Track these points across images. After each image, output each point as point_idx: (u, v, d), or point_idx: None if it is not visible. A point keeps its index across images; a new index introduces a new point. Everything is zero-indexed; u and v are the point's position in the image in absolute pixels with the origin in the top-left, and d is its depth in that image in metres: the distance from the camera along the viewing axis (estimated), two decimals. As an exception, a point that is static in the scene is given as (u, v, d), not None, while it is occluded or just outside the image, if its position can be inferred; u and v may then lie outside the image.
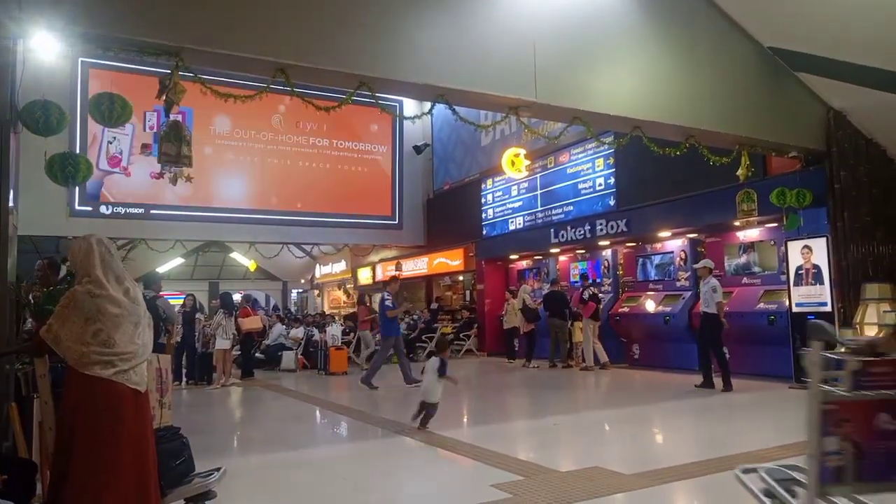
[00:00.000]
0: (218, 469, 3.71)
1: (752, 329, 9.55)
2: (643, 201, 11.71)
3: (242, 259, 24.53)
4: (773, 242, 10.06)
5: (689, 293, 11.00)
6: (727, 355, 8.81)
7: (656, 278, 12.06)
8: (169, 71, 5.28)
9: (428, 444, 5.88)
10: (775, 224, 9.76)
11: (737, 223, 9.90)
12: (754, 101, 8.21)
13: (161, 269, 23.38)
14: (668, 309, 11.29)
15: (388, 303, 10.03)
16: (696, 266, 9.80)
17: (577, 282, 13.77)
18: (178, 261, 23.04)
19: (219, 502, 3.63)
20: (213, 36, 5.21)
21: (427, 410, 6.30)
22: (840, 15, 7.08)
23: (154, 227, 14.73)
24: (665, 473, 4.58)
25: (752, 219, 9.28)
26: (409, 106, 15.69)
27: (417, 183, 18.49)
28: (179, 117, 5.80)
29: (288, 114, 15.69)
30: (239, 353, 12.42)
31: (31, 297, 4.90)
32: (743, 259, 10.68)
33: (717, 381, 8.60)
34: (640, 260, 12.43)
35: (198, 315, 12.34)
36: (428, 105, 7.02)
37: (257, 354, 13.95)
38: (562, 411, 8.04)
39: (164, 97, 5.22)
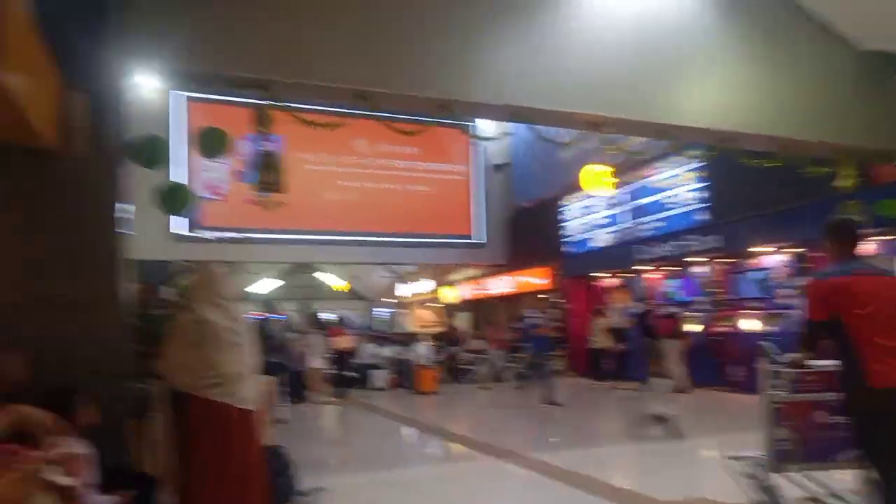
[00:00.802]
0: (321, 488, 3.77)
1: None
2: (738, 215, 11.15)
3: (332, 279, 25.31)
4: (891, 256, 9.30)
5: (793, 311, 10.32)
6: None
7: (755, 296, 11.41)
8: (261, 102, 5.60)
9: (521, 466, 5.79)
10: (887, 237, 9.02)
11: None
12: (852, 107, 7.67)
13: (255, 290, 24.56)
14: (769, 328, 10.65)
15: (538, 320, 10.05)
16: (799, 283, 9.21)
17: (669, 300, 13.27)
18: (272, 281, 24.08)
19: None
20: (302, 68, 5.48)
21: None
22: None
23: (249, 250, 15.50)
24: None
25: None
26: (490, 126, 15.77)
27: (499, 201, 18.48)
28: (270, 145, 6.09)
29: (370, 137, 16.16)
30: (331, 371, 12.71)
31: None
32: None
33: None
34: (736, 276, 11.82)
35: (290, 335, 12.82)
36: (508, 124, 7.02)
37: (349, 373, 14.26)
38: (656, 436, 7.72)
39: (257, 128, 5.52)
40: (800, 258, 10.61)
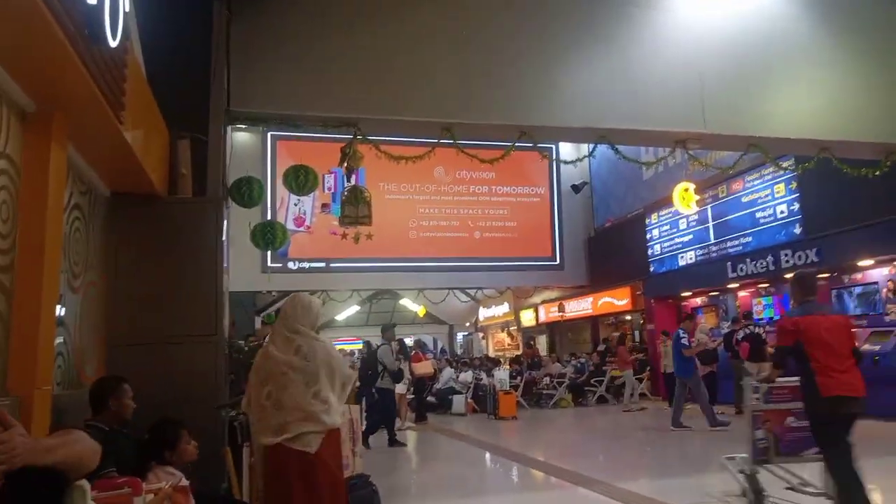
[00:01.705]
0: None
1: None
2: (836, 227, 10.51)
3: (412, 305, 25.64)
4: None
5: (903, 328, 9.60)
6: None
7: (858, 312, 10.68)
8: (347, 137, 5.83)
9: (606, 495, 5.63)
10: None
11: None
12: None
13: (339, 317, 25.20)
14: (876, 347, 9.90)
15: (683, 341, 9.85)
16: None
17: (759, 319, 12.62)
18: (355, 308, 24.65)
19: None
20: (387, 105, 5.69)
21: None
22: None
23: (333, 278, 15.98)
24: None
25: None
26: (567, 146, 15.67)
27: (577, 222, 18.25)
28: (355, 178, 6.30)
29: (448, 165, 16.40)
30: (413, 396, 12.84)
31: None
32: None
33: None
34: (836, 292, 11.11)
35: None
36: (586, 146, 6.97)
37: (429, 398, 14.35)
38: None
39: (344, 164, 5.74)
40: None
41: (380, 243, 15.80)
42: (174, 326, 4.65)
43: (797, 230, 11.51)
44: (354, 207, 5.68)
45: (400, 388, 11.27)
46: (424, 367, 12.73)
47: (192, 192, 5.02)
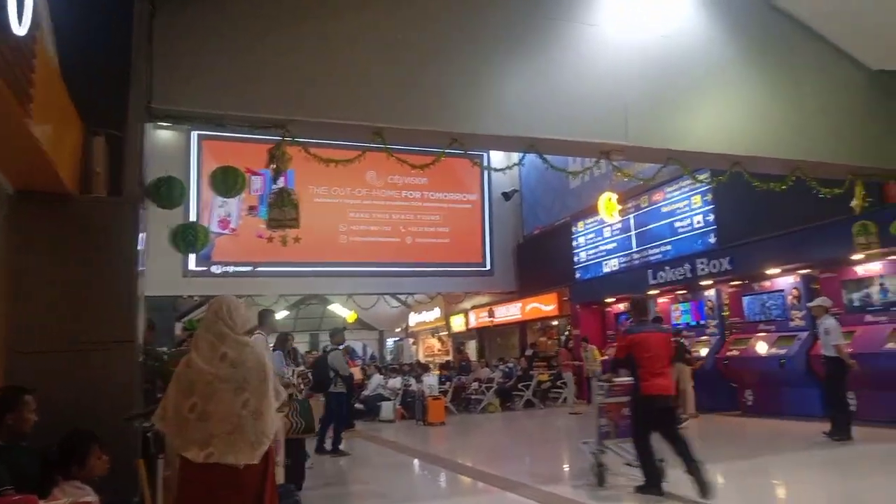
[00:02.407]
0: None
1: (878, 372, 8.73)
2: (747, 237, 11.15)
3: (341, 310, 25.31)
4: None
5: (806, 333, 10.25)
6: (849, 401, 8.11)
7: (766, 318, 11.35)
8: (275, 138, 5.70)
9: (532, 499, 5.72)
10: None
11: (855, 257, 9.21)
12: (865, 127, 7.73)
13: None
14: (782, 351, 10.55)
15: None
16: (810, 305, 9.16)
17: (678, 324, 13.22)
18: (282, 313, 24.09)
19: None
20: (317, 107, 5.60)
21: None
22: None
23: (259, 282, 15.58)
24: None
25: (871, 251, 8.59)
26: (498, 154, 15.91)
27: (507, 229, 18.57)
28: (283, 180, 6.16)
29: (380, 169, 16.33)
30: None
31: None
32: (863, 295, 9.87)
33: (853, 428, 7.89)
34: (747, 299, 11.76)
35: (301, 367, 12.78)
36: (516, 155, 7.11)
37: (357, 405, 14.19)
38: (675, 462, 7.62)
39: (272, 166, 5.60)
40: (810, 279, 10.57)
41: (309, 247, 15.58)
42: (84, 332, 4.39)
43: (712, 240, 12.12)
44: (281, 210, 5.55)
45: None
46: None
47: (107, 191, 4.76)
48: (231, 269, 15.15)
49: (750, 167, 7.43)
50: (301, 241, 6.15)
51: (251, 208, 15.24)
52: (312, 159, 5.98)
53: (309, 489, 6.23)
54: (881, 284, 9.66)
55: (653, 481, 5.51)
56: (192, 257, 14.51)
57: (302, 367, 9.24)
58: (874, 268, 9.69)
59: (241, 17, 5.48)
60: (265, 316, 9.59)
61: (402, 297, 22.48)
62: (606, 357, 13.71)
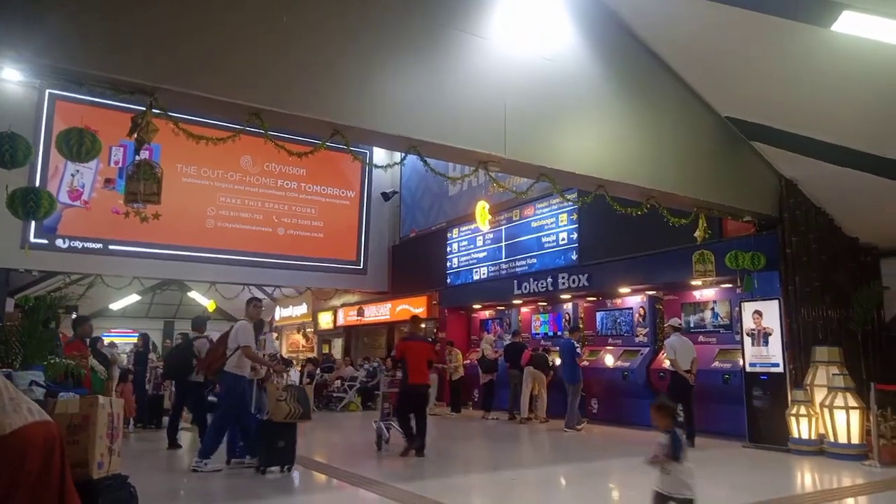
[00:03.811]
0: None
1: (707, 387, 9.71)
2: (604, 257, 11.98)
3: (201, 299, 24.02)
4: (728, 302, 10.38)
5: (648, 349, 11.18)
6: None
7: (616, 333, 12.24)
8: (140, 108, 5.29)
9: (385, 497, 5.76)
10: (730, 285, 10.07)
11: (693, 282, 10.20)
12: (711, 167, 8.58)
13: (114, 306, 22.75)
14: (626, 364, 11.43)
15: (578, 349, 10.96)
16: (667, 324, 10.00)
17: (537, 334, 13.90)
18: (134, 298, 22.44)
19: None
20: (190, 78, 5.25)
21: None
22: (791, 90, 7.52)
23: (111, 262, 14.39)
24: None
25: (707, 279, 9.55)
26: (380, 153, 15.89)
27: (384, 229, 18.58)
28: (147, 154, 5.75)
29: (257, 155, 15.72)
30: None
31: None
32: (699, 318, 10.94)
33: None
34: (600, 314, 12.62)
35: (150, 356, 11.99)
36: (398, 154, 7.16)
37: (211, 398, 13.51)
38: (520, 465, 7.98)
39: (135, 135, 5.20)
40: (656, 300, 11.55)
41: (171, 229, 14.70)
42: None
43: (574, 256, 12.88)
44: (141, 183, 5.16)
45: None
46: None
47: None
48: (80, 244, 13.87)
49: (612, 191, 7.98)
50: (161, 218, 5.75)
51: (108, 181, 14.08)
52: (181, 135, 5.62)
53: (145, 480, 5.83)
54: (713, 309, 10.77)
55: (413, 445, 7.84)
56: (32, 227, 13.15)
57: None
58: (709, 294, 10.78)
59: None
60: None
61: (269, 290, 21.75)
62: (468, 361, 14.12)
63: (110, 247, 14.16)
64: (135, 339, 12.17)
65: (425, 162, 6.93)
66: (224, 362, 6.91)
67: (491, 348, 13.48)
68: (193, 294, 24.06)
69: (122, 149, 13.88)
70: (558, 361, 12.48)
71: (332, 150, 6.52)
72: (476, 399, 14.14)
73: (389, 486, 6.09)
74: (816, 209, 9.09)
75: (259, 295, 21.16)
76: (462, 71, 6.87)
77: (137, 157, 5.45)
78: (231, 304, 21.92)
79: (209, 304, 23.66)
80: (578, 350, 11.04)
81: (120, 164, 13.85)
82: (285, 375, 7.28)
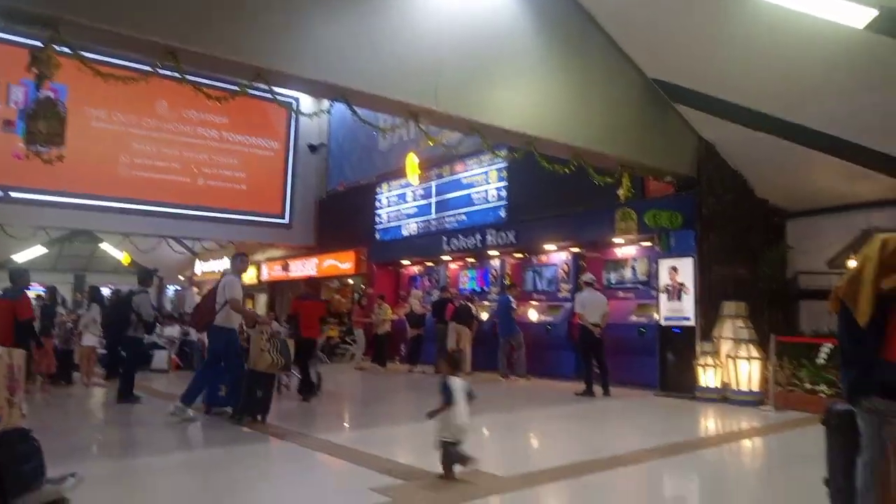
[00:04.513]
0: (73, 474, 3.43)
1: (623, 340, 10.16)
2: (532, 215, 12.16)
3: (114, 251, 22.85)
4: (647, 259, 10.81)
5: (570, 304, 11.54)
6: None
7: (540, 289, 12.55)
8: (41, 43, 4.84)
9: (306, 447, 5.75)
10: (650, 243, 10.47)
11: (616, 240, 10.53)
12: (636, 127, 8.77)
13: (19, 258, 21.31)
14: (549, 319, 11.78)
15: (513, 304, 11.37)
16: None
17: (464, 289, 14.07)
18: (41, 250, 21.08)
19: (76, 512, 3.36)
20: (96, 8, 4.83)
21: (457, 452, 4.45)
22: (714, 55, 7.74)
23: (13, 211, 13.43)
24: (541, 476, 4.76)
25: (629, 236, 9.89)
26: (307, 103, 15.36)
27: (310, 182, 18.13)
28: (51, 94, 5.30)
29: (174, 100, 14.86)
30: (105, 351, 11.59)
31: None
32: (619, 275, 11.36)
33: (598, 388, 9.14)
34: (527, 271, 12.88)
35: (58, 309, 11.38)
36: (326, 103, 6.93)
37: (124, 353, 13.05)
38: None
39: (35, 70, 4.76)
40: (579, 257, 11.89)
41: (80, 176, 13.81)
42: None
43: (502, 214, 13.02)
44: (42, 122, 4.76)
45: (91, 341, 9.99)
46: (123, 320, 11.48)
47: None
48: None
49: (541, 148, 8.04)
50: (68, 162, 5.36)
51: (7, 123, 12.99)
52: (90, 74, 5.20)
53: (56, 437, 5.59)
54: (633, 266, 11.19)
55: (311, 389, 8.74)
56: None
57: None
58: (629, 251, 11.18)
59: None
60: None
61: (188, 243, 20.95)
62: (396, 316, 14.17)
63: (11, 193, 13.19)
64: (40, 293, 11.47)
65: (354, 111, 6.74)
66: (213, 317, 7.01)
67: (419, 303, 13.56)
68: (105, 246, 22.84)
69: (22, 88, 12.82)
70: (485, 316, 12.73)
71: (255, 98, 6.24)
72: (403, 354, 14.25)
73: (314, 438, 6.09)
74: (732, 171, 9.51)
75: (177, 248, 20.37)
76: (395, 19, 6.66)
77: (39, 94, 5.02)
78: (147, 257, 20.98)
79: (123, 257, 22.56)
80: (514, 306, 11.29)
81: (20, 105, 12.78)
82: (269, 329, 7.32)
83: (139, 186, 14.82)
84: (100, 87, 5.30)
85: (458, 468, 4.43)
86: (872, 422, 3.43)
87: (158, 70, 5.44)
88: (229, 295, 6.96)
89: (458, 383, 4.61)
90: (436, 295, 13.70)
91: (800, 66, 7.11)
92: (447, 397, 4.48)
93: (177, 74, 5.48)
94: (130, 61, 7.97)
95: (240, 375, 7.04)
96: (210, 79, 7.95)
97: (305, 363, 8.78)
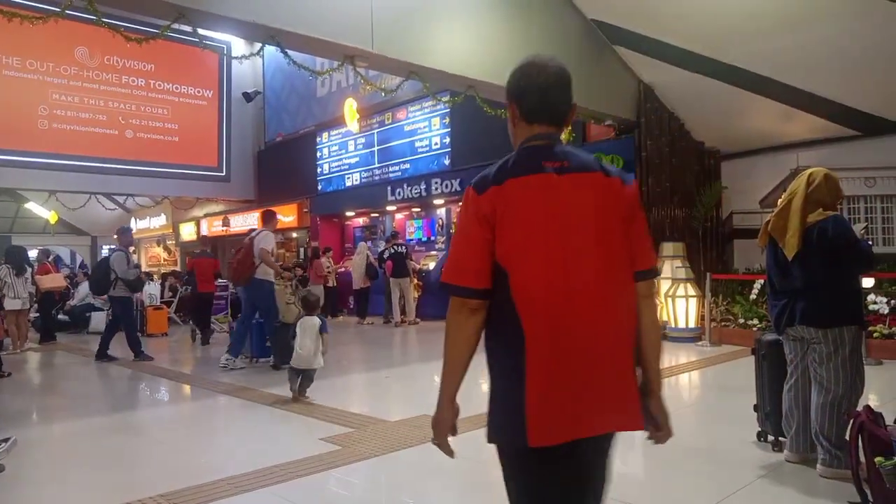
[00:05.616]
0: (7, 439, 3.30)
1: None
2: (476, 162, 12.06)
3: (41, 210, 21.72)
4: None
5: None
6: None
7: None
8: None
9: (255, 402, 5.70)
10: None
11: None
12: (577, 70, 8.46)
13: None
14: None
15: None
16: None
17: (411, 239, 14.01)
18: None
19: (12, 476, 3.23)
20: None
21: (307, 376, 5.60)
22: (652, -5, 7.72)
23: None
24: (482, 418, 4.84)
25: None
26: (239, 46, 14.64)
27: (247, 133, 17.50)
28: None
29: (95, 46, 13.91)
30: (38, 314, 11.11)
31: None
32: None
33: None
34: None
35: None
36: (258, 46, 6.59)
37: (60, 316, 12.56)
38: (393, 365, 8.20)
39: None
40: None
41: (-5, 130, 12.87)
42: None
43: (446, 161, 12.90)
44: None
45: (15, 304, 9.51)
46: (53, 281, 11.00)
47: None
48: None
49: (482, 91, 7.92)
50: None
51: None
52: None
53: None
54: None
55: (208, 338, 10.01)
56: None
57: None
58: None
59: None
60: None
61: (120, 199, 20.08)
62: (342, 269, 14.02)
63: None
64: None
65: (286, 54, 6.45)
66: (254, 270, 7.27)
67: (371, 255, 13.42)
68: (31, 205, 21.70)
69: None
70: (432, 265, 12.74)
71: (183, 44, 5.86)
72: (352, 306, 14.18)
73: (262, 392, 6.03)
74: (670, 114, 9.64)
75: (109, 205, 19.53)
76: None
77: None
78: (76, 215, 20.03)
79: (50, 216, 21.49)
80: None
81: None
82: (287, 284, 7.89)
83: (62, 140, 13.96)
84: (9, 30, 4.87)
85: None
86: (797, 349, 3.62)
87: (69, 12, 5.03)
88: (261, 245, 7.26)
89: (308, 322, 5.54)
90: (382, 246, 13.59)
91: (725, 4, 7.22)
92: (293, 333, 5.61)
93: (92, 17, 5.09)
94: (39, 2, 7.37)
95: (276, 327, 7.37)
96: (132, 23, 7.44)
97: (207, 315, 10.23)
